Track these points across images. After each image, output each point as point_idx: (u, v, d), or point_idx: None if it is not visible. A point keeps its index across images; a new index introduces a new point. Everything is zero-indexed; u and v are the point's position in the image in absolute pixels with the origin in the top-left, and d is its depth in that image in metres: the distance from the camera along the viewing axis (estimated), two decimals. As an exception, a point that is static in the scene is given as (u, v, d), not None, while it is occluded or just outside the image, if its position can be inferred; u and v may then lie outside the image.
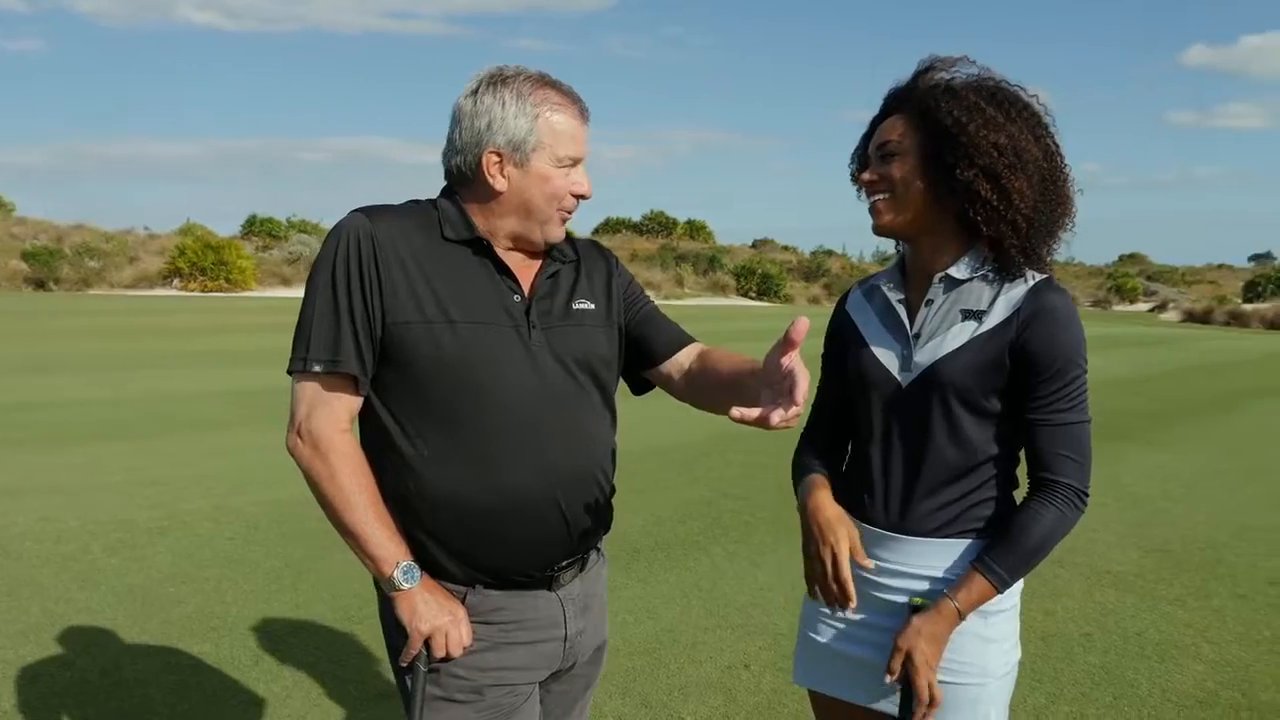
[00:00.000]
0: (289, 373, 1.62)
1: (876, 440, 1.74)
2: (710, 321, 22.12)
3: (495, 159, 1.61)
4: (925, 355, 1.68)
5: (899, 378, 1.70)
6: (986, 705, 1.70)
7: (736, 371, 1.69)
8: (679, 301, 31.84)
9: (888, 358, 1.72)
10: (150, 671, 3.48)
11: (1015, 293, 1.65)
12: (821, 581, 1.71)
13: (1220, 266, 72.80)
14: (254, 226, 38.69)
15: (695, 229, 53.38)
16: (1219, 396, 12.52)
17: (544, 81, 1.64)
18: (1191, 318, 36.28)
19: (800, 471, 1.86)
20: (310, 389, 1.59)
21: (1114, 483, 6.85)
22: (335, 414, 1.59)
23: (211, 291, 29.31)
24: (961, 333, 1.66)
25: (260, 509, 5.63)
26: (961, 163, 1.61)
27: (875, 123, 1.78)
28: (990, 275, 1.68)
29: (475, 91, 1.62)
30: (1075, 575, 4.80)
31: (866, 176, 1.72)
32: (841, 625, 1.78)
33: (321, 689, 3.40)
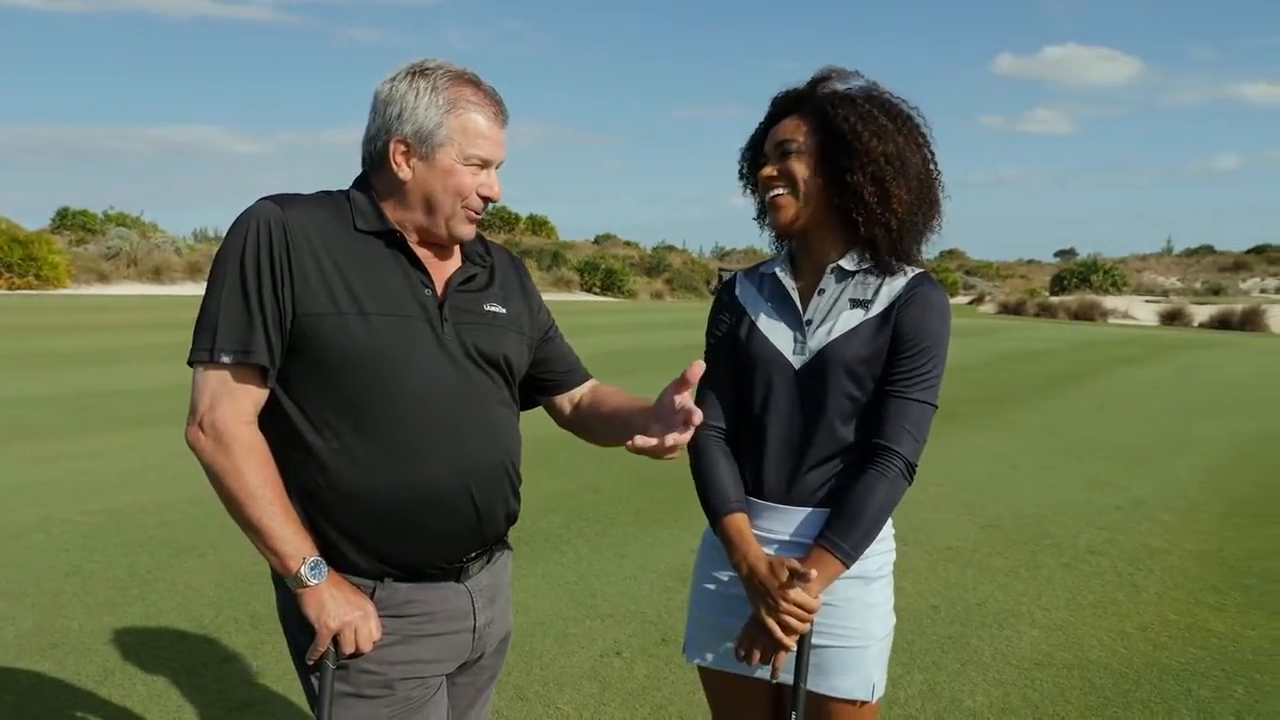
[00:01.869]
0: (190, 363, 1.57)
1: (770, 418, 1.82)
2: (557, 317, 22.06)
3: (401, 148, 1.61)
4: (818, 339, 1.79)
5: (793, 360, 1.81)
6: (870, 666, 1.81)
7: (626, 409, 1.77)
8: (523, 297, 31.54)
9: (782, 341, 1.82)
10: (-13, 694, 3.25)
11: (897, 284, 1.80)
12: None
13: (1029, 262, 77.96)
14: (66, 220, 36.18)
15: (538, 224, 53.22)
16: (1034, 382, 13.42)
17: (463, 78, 1.63)
18: (1006, 309, 38.65)
19: (713, 483, 1.85)
20: (215, 380, 1.55)
21: (948, 465, 7.27)
22: (240, 406, 1.55)
23: (20, 289, 27.25)
24: (851, 319, 1.78)
25: (96, 518, 5.31)
26: (853, 165, 1.74)
27: (766, 126, 1.87)
28: (874, 268, 1.81)
29: (394, 79, 1.62)
30: (920, 552, 5.09)
31: (768, 171, 1.82)
32: (731, 601, 1.85)
33: (181, 701, 3.26)
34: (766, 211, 1.87)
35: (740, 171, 1.95)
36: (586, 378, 1.94)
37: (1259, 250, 68.87)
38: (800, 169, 1.79)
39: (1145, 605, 4.41)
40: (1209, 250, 74.09)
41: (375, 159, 1.64)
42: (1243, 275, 63.10)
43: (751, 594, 1.76)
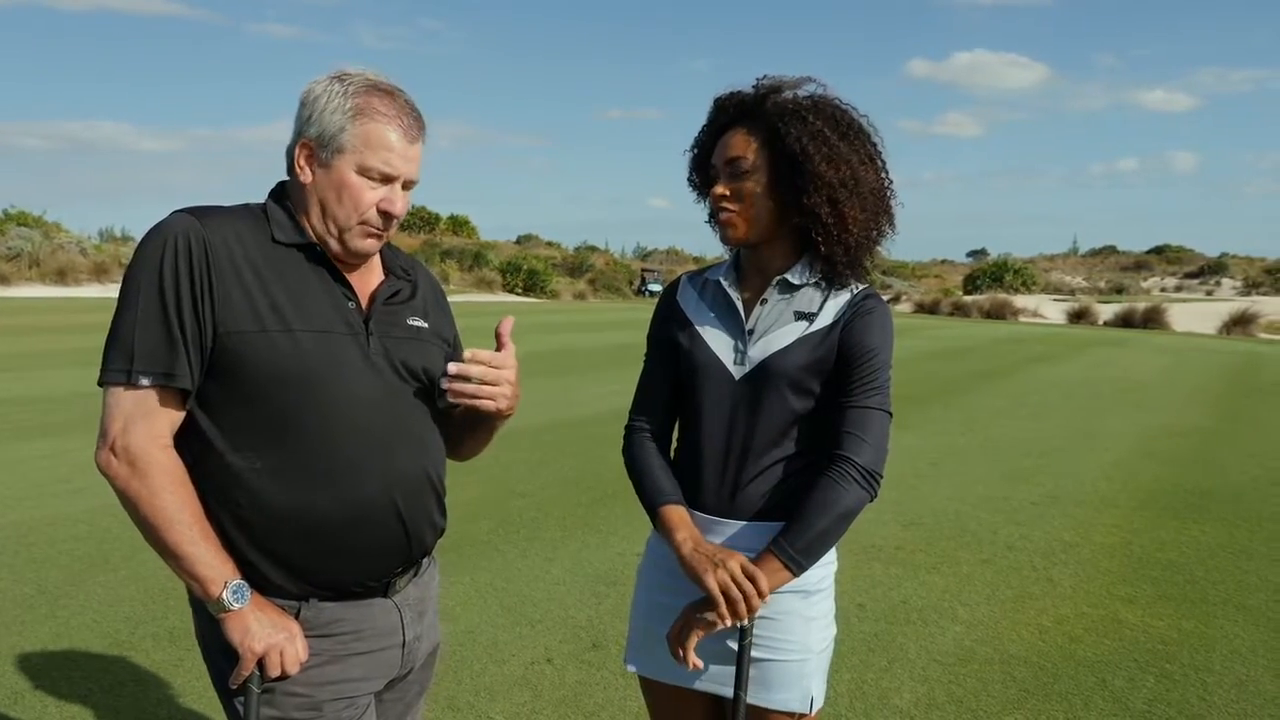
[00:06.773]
0: (101, 384, 1.51)
1: (709, 428, 1.82)
2: (479, 318, 21.84)
3: (305, 151, 1.57)
4: (759, 350, 1.79)
5: (733, 370, 1.80)
6: (808, 679, 1.82)
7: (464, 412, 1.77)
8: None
9: (723, 350, 1.82)
10: (-114, 722, 3.10)
11: (842, 299, 1.80)
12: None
13: (943, 262, 79.99)
14: (-39, 219, 34.67)
15: (459, 224, 52.75)
16: (952, 380, 13.74)
17: (378, 89, 1.57)
18: (922, 309, 39.52)
19: (647, 476, 1.85)
20: (129, 401, 1.48)
21: (870, 464, 7.39)
22: (156, 428, 1.49)
23: (-89, 291, 26.04)
24: (793, 331, 1.78)
25: (0, 534, 5.10)
26: (808, 188, 1.74)
27: (714, 132, 1.85)
28: (821, 282, 1.82)
29: (318, 80, 1.58)
30: (846, 551, 5.16)
31: (719, 190, 1.80)
32: (674, 612, 1.83)
33: (96, 723, 3.15)
34: (715, 225, 1.85)
35: (689, 179, 1.93)
36: None
37: (1158, 250, 71.74)
38: (751, 188, 1.78)
39: (1061, 599, 4.54)
40: (1112, 250, 76.84)
41: (288, 163, 1.60)
42: (1144, 274, 65.63)
43: (695, 567, 1.71)
